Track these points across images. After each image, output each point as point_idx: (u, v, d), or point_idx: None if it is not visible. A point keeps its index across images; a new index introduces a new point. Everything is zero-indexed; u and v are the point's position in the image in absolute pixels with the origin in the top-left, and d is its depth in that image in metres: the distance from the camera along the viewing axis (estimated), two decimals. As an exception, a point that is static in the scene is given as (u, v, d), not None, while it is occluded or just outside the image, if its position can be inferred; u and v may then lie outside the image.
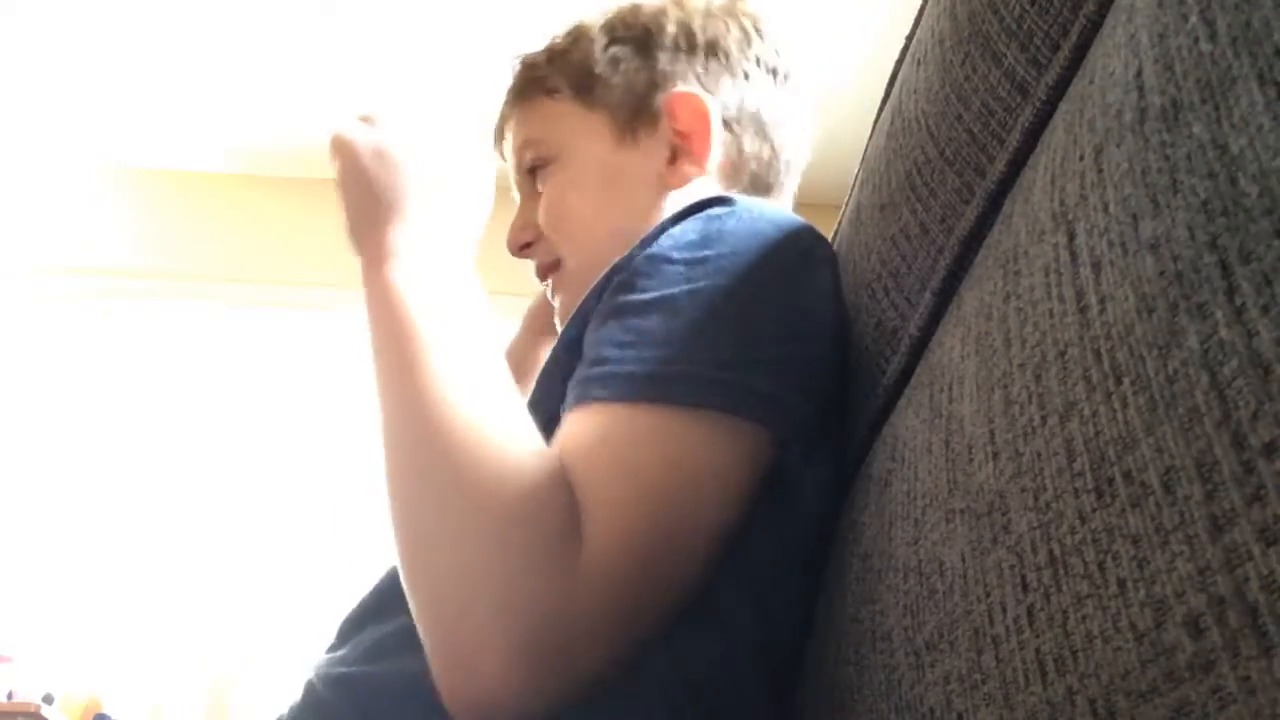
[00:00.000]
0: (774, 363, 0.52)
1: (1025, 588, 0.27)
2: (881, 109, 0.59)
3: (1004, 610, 0.28)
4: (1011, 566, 0.28)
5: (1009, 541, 0.28)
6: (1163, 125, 0.24)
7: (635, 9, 0.75)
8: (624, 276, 0.55)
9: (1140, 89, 0.26)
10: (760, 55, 0.74)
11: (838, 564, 0.50)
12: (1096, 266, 0.26)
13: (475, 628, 0.45)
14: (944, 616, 0.32)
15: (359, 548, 2.76)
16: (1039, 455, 0.27)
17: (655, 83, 0.71)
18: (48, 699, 2.49)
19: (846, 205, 0.66)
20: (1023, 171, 0.37)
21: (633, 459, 0.49)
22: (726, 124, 0.71)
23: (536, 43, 0.78)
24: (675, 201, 0.67)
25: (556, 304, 0.76)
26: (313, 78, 2.68)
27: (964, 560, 0.31)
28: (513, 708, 0.45)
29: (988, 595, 0.29)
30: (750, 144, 0.72)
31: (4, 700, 2.45)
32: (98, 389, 3.00)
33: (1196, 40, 0.24)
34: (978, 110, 0.41)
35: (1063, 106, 0.34)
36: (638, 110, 0.71)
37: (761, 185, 0.74)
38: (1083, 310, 0.26)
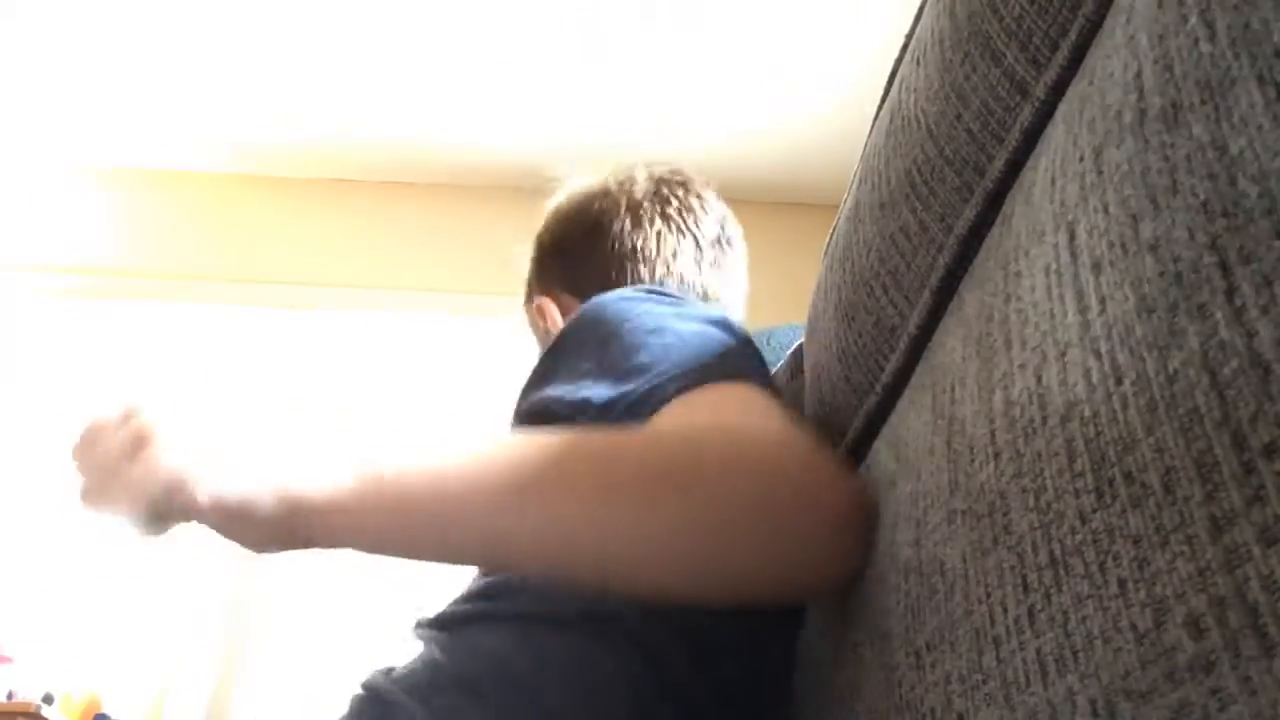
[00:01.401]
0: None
1: (1026, 588, 0.27)
2: (881, 107, 0.59)
3: (1005, 610, 0.28)
4: (1012, 567, 0.28)
5: (1010, 542, 0.28)
6: (1162, 126, 0.24)
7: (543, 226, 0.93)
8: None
9: (1140, 90, 0.26)
10: (605, 247, 0.86)
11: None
12: (1096, 267, 0.26)
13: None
14: (945, 617, 0.32)
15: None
16: (1039, 456, 0.27)
17: (535, 288, 0.90)
18: (48, 699, 2.49)
19: (845, 203, 0.66)
20: (1022, 172, 0.37)
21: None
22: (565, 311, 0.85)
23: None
24: None
25: None
26: (297, 76, 2.68)
27: (965, 560, 0.31)
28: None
29: (988, 595, 0.29)
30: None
31: (4, 700, 2.45)
32: (94, 388, 2.99)
33: (1196, 41, 0.23)
34: (977, 109, 0.41)
35: (1062, 107, 0.34)
36: (530, 308, 0.90)
37: None
38: (1083, 311, 0.26)
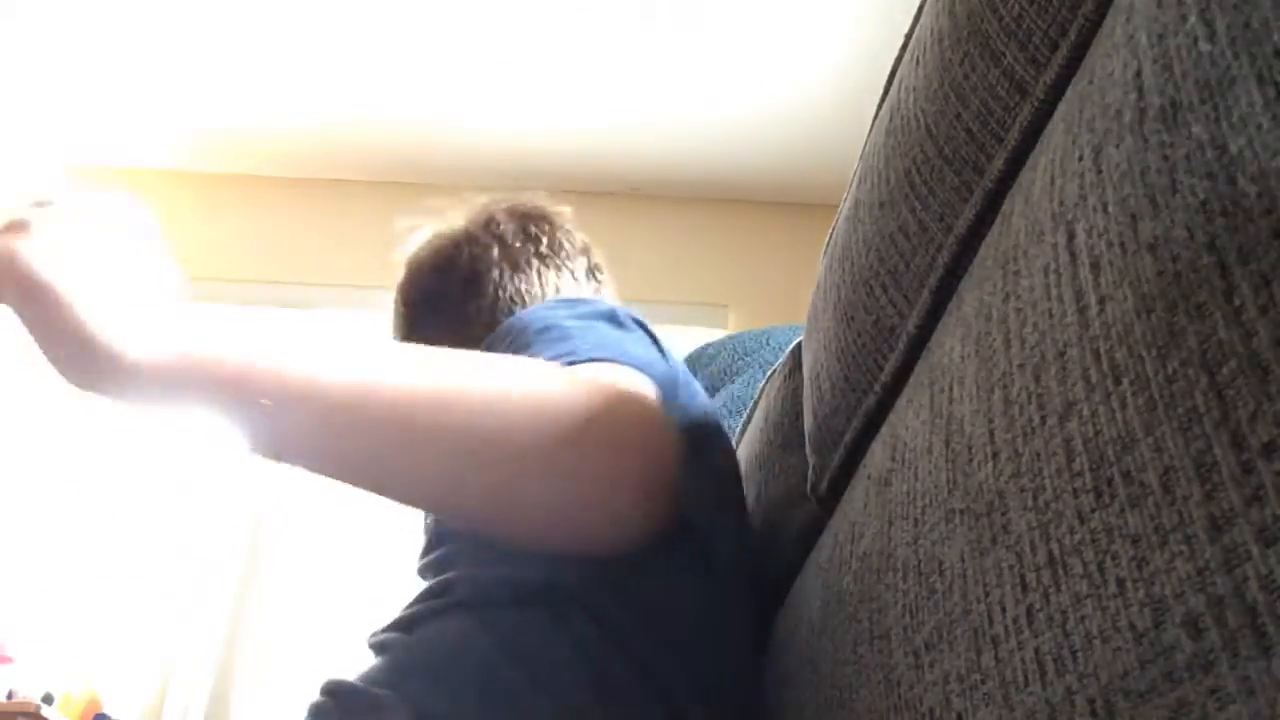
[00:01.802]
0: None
1: (1024, 587, 0.27)
2: (880, 107, 0.59)
3: (1003, 610, 0.28)
4: (1011, 566, 0.28)
5: (1008, 541, 0.28)
6: (1162, 125, 0.24)
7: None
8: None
9: (1139, 89, 0.26)
10: (475, 303, 0.88)
11: (837, 563, 0.50)
12: (1096, 267, 0.26)
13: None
14: (943, 616, 0.32)
15: (359, 547, 2.77)
16: (1038, 455, 0.27)
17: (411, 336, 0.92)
18: (48, 699, 2.49)
19: (844, 203, 0.66)
20: (1022, 171, 0.37)
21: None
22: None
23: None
24: None
25: None
26: (297, 76, 2.68)
27: (963, 560, 0.31)
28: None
29: (987, 595, 0.29)
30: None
31: (4, 700, 2.45)
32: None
33: (1195, 40, 0.23)
34: (976, 109, 0.41)
35: (1062, 106, 0.34)
36: None
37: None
38: (1082, 310, 0.26)
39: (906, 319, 0.48)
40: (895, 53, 0.56)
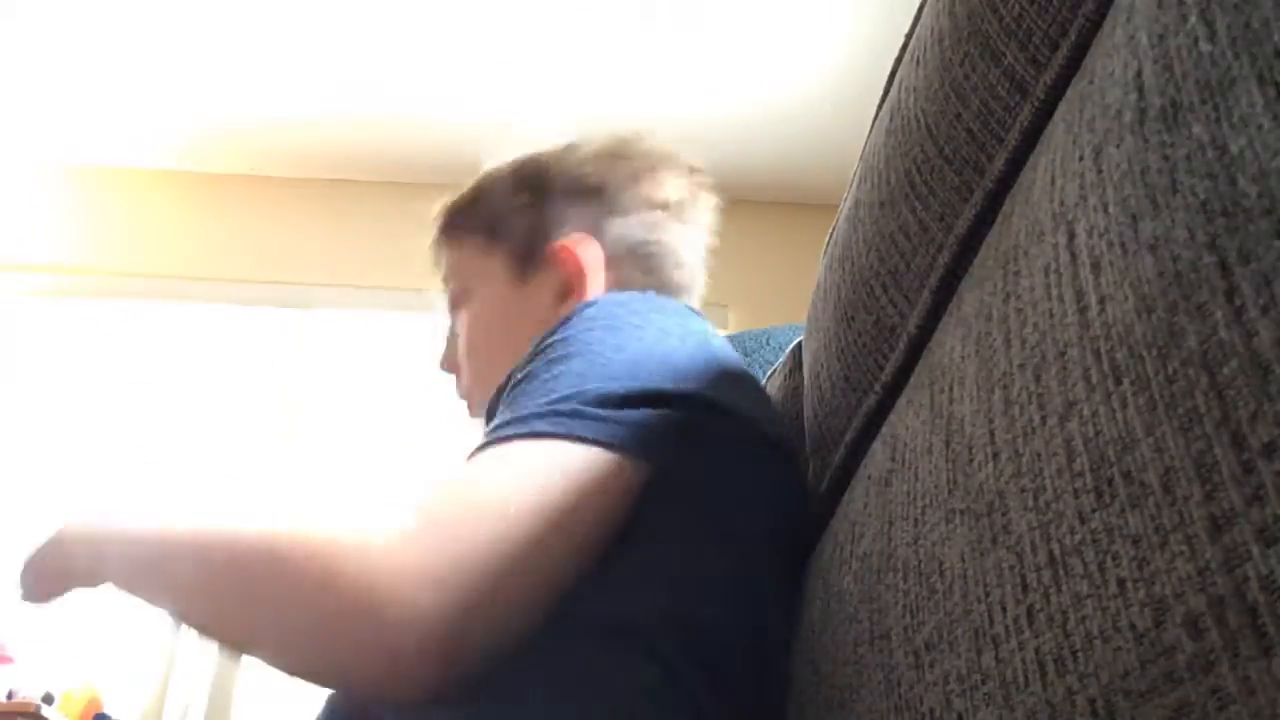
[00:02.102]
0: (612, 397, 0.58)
1: (1025, 588, 0.27)
2: (880, 107, 0.59)
3: (1004, 610, 0.28)
4: (1011, 566, 0.28)
5: (1009, 541, 0.28)
6: (1162, 126, 0.24)
7: (533, 158, 0.85)
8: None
9: (1140, 89, 0.26)
10: (645, 193, 0.82)
11: (837, 563, 0.50)
12: (1096, 267, 0.26)
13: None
14: (943, 616, 0.32)
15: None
16: (1039, 455, 0.27)
17: (544, 230, 0.81)
18: (48, 699, 2.49)
19: (844, 203, 0.66)
20: (1022, 171, 0.37)
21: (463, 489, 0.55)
22: (612, 261, 0.80)
23: (454, 191, 0.89)
24: None
25: (469, 408, 0.86)
26: (297, 75, 2.68)
27: (964, 560, 0.31)
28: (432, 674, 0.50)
29: (987, 595, 0.29)
30: (635, 274, 0.81)
31: (4, 700, 2.45)
32: (101, 390, 3.00)
33: (1196, 41, 0.23)
34: (977, 109, 0.41)
35: (1062, 106, 0.34)
36: (529, 254, 0.81)
37: None
38: (1082, 310, 0.26)
39: (907, 319, 0.48)
40: (895, 53, 0.56)
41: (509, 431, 0.56)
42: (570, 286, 0.78)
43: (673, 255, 0.83)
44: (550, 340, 0.63)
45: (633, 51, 2.53)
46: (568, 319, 0.64)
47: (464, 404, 0.86)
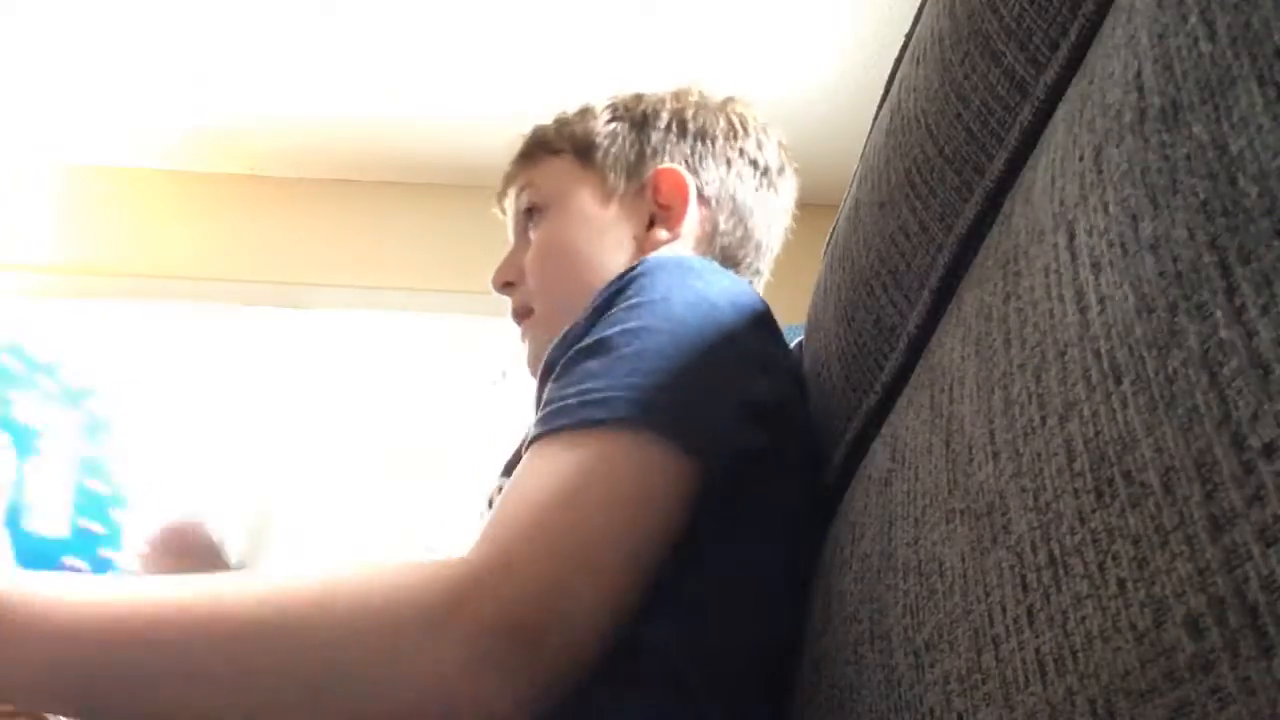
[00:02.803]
0: (695, 386, 0.54)
1: (1025, 588, 0.27)
2: (881, 107, 0.59)
3: (1004, 610, 0.28)
4: (1011, 566, 0.28)
5: (1009, 541, 0.28)
6: (1162, 126, 0.24)
7: (638, 96, 0.85)
8: (574, 333, 0.58)
9: (1140, 89, 0.26)
10: (744, 148, 0.83)
11: (838, 564, 0.50)
12: (1096, 267, 0.26)
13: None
14: (944, 616, 0.32)
15: (346, 545, 2.76)
16: (1039, 455, 0.27)
17: (646, 156, 0.80)
18: (47, 698, 2.49)
19: (845, 203, 0.66)
20: (1022, 171, 0.37)
21: (535, 486, 0.49)
22: (704, 201, 0.80)
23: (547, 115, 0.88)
24: None
25: (525, 352, 0.83)
26: (297, 75, 2.68)
27: (964, 560, 0.31)
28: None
29: (987, 595, 0.29)
30: (725, 222, 0.80)
31: (4, 700, 2.45)
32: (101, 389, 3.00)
33: (1196, 41, 0.23)
34: (977, 109, 0.41)
35: (1062, 106, 0.34)
36: (628, 177, 0.80)
37: (730, 260, 0.81)
38: (1082, 310, 0.26)
39: (907, 319, 0.48)
40: (895, 53, 0.56)
41: (573, 419, 0.51)
42: (661, 215, 0.78)
43: (765, 222, 0.83)
44: (627, 301, 0.57)
45: (633, 51, 2.54)
46: (635, 278, 0.59)
47: (517, 319, 0.82)
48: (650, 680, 0.52)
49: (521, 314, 0.82)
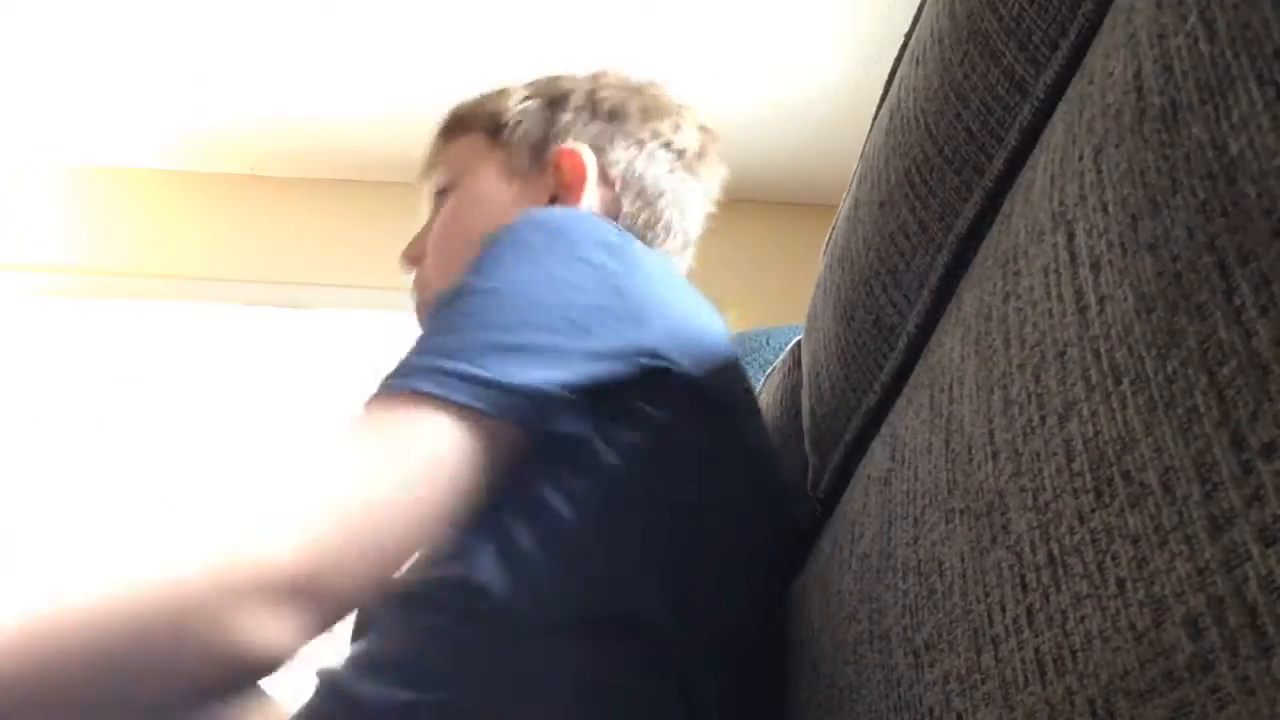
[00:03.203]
0: (520, 347, 0.56)
1: (1024, 588, 0.27)
2: (880, 107, 0.59)
3: (1003, 610, 0.28)
4: (1011, 566, 0.28)
5: (1008, 541, 0.28)
6: (1162, 126, 0.24)
7: (556, 77, 0.85)
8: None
9: (1139, 89, 0.26)
10: (659, 129, 0.82)
11: (837, 563, 0.50)
12: (1096, 267, 0.26)
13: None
14: (943, 616, 0.32)
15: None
16: (1038, 455, 0.27)
17: (551, 135, 0.81)
18: (47, 698, 2.49)
19: (844, 203, 0.66)
20: (1022, 171, 0.37)
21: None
22: (609, 181, 0.79)
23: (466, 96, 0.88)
24: None
25: (414, 306, 0.85)
26: (297, 76, 2.68)
27: (963, 560, 0.31)
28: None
29: (987, 595, 0.29)
30: (630, 204, 0.80)
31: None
32: (103, 390, 3.00)
33: (1196, 41, 0.23)
34: (976, 108, 0.41)
35: (1062, 106, 0.34)
36: (532, 156, 0.80)
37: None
38: (1082, 310, 0.26)
39: (906, 319, 0.48)
40: (895, 53, 0.56)
41: (395, 386, 0.55)
42: (562, 194, 0.78)
43: (677, 205, 0.82)
44: (486, 257, 0.61)
45: (633, 51, 2.54)
46: (512, 227, 0.62)
47: (415, 298, 0.84)
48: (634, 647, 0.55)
49: (419, 291, 0.85)
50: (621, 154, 0.80)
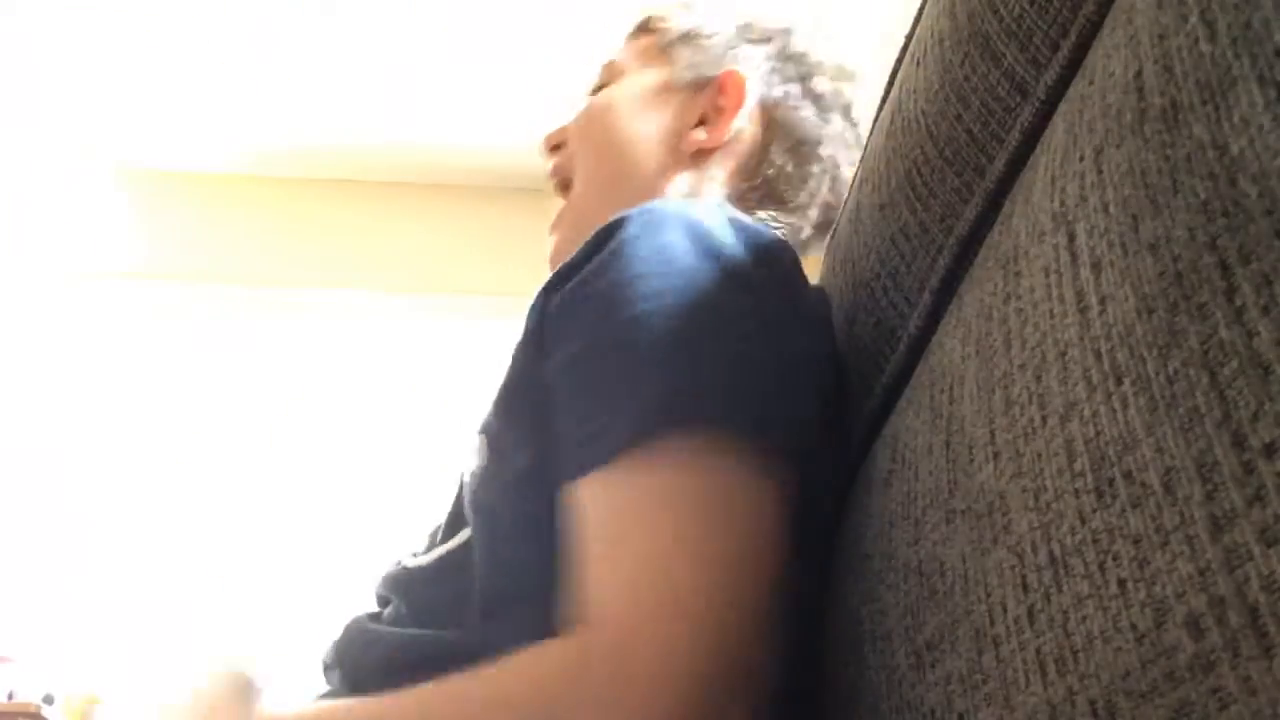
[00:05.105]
0: (749, 367, 0.50)
1: (1026, 588, 0.27)
2: (881, 108, 0.59)
3: (1004, 610, 0.28)
4: (1012, 567, 0.28)
5: (1009, 542, 0.28)
6: (1163, 126, 0.24)
7: (755, 18, 0.83)
8: (566, 307, 0.53)
9: (1140, 90, 0.26)
10: (826, 91, 0.80)
11: (838, 564, 0.50)
12: (1096, 267, 0.26)
13: None
14: (944, 617, 0.32)
15: (359, 548, 2.76)
16: (1039, 456, 0.27)
17: (725, 57, 0.77)
18: (48, 699, 2.49)
19: (845, 204, 0.66)
20: (1022, 172, 0.37)
21: (618, 532, 0.46)
22: (768, 122, 0.76)
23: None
24: (678, 186, 0.72)
25: (550, 245, 0.79)
26: (317, 77, 2.68)
27: (964, 560, 0.31)
28: None
29: (988, 595, 0.29)
30: (778, 152, 0.76)
31: (4, 700, 2.45)
32: (103, 390, 3.00)
33: (1196, 41, 0.23)
34: (977, 110, 0.41)
35: (1062, 107, 0.34)
36: (699, 69, 0.77)
37: (775, 197, 0.77)
38: (1083, 311, 0.26)
39: (907, 320, 0.48)
40: (895, 53, 0.56)
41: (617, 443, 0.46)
42: (712, 116, 0.75)
43: (830, 173, 0.79)
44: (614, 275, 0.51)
45: (633, 52, 2.54)
46: (619, 229, 0.53)
47: (559, 190, 0.79)
48: None
49: (562, 185, 0.80)
50: (786, 98, 0.77)
